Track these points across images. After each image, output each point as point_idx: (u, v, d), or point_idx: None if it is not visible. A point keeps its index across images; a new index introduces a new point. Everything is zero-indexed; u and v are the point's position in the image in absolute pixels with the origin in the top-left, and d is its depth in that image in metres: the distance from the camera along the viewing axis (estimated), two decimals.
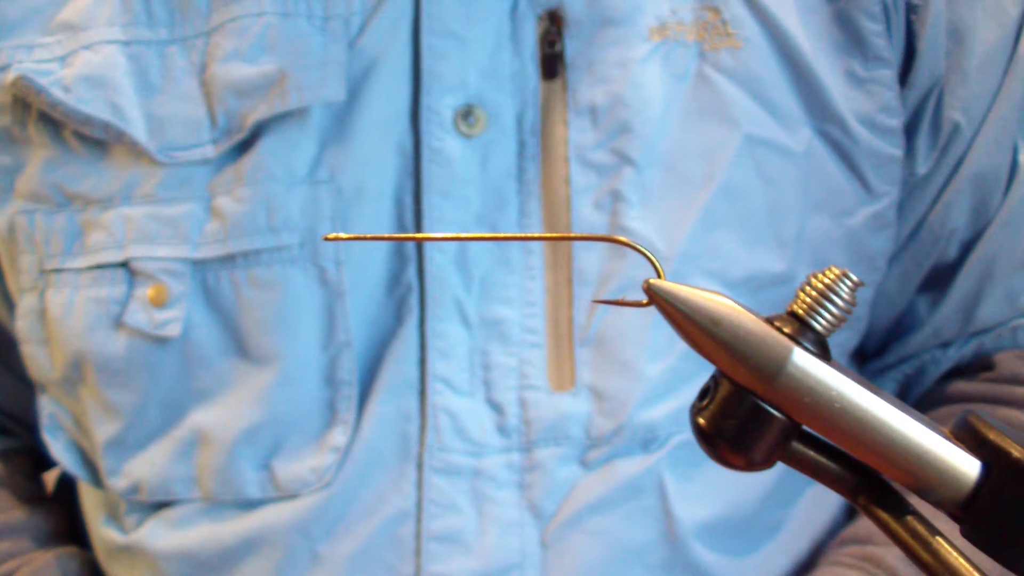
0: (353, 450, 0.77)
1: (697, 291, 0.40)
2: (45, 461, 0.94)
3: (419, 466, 0.77)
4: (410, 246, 0.77)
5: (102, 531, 0.83)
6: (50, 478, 0.95)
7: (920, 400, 0.88)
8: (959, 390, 0.86)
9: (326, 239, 0.44)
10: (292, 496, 0.77)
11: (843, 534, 0.83)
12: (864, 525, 0.82)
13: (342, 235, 0.44)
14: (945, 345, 0.87)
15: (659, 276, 0.41)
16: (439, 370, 0.76)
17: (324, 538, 0.77)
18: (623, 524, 0.76)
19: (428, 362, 0.77)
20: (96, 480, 0.82)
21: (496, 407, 0.77)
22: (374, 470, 0.77)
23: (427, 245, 0.76)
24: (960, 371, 0.88)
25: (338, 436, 0.77)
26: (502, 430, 0.77)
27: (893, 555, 0.78)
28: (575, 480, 0.76)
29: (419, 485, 0.77)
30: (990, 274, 0.84)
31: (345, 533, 0.77)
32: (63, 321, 0.78)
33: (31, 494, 0.91)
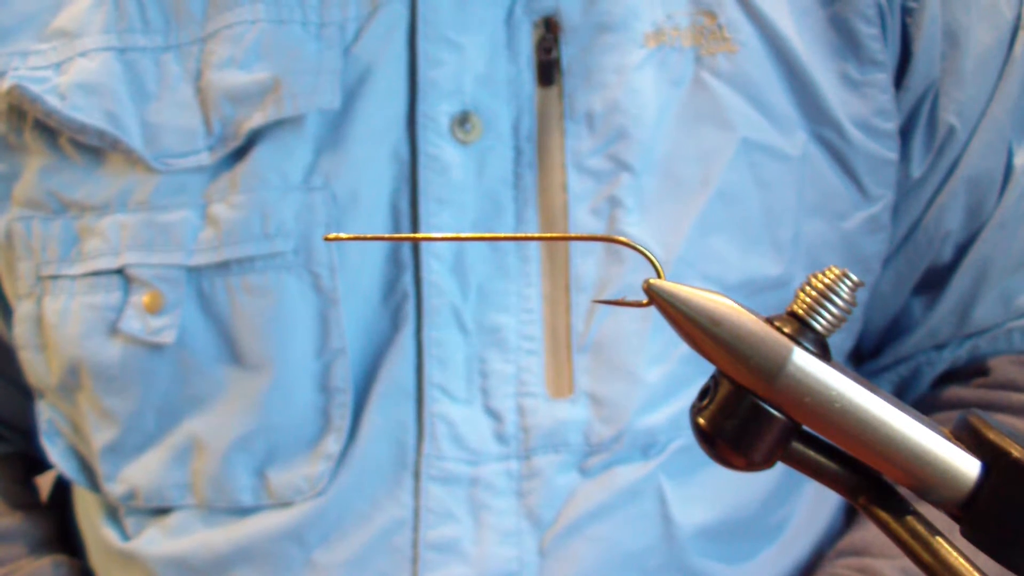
0: (348, 458, 0.77)
1: (697, 291, 0.40)
2: (38, 466, 0.94)
3: (416, 474, 0.77)
4: (406, 253, 0.77)
5: (101, 531, 0.83)
6: (44, 485, 0.95)
7: (915, 404, 0.88)
8: (954, 395, 0.86)
9: (326, 239, 0.44)
10: (286, 504, 0.77)
11: (840, 545, 0.83)
12: (860, 535, 0.82)
13: (342, 235, 0.44)
14: (940, 347, 0.87)
15: (659, 276, 0.41)
16: (436, 378, 0.76)
17: (319, 546, 0.77)
18: (622, 530, 0.76)
19: (425, 370, 0.76)
20: (94, 485, 0.82)
21: (494, 415, 0.76)
22: (370, 478, 0.77)
23: (424, 252, 0.76)
24: (955, 375, 0.88)
25: (332, 444, 0.77)
26: (500, 438, 0.76)
27: (890, 567, 0.78)
28: (574, 487, 0.76)
29: (416, 493, 0.76)
30: (985, 276, 0.84)
31: (340, 541, 0.77)
32: (59, 328, 0.78)
33: (23, 500, 0.91)
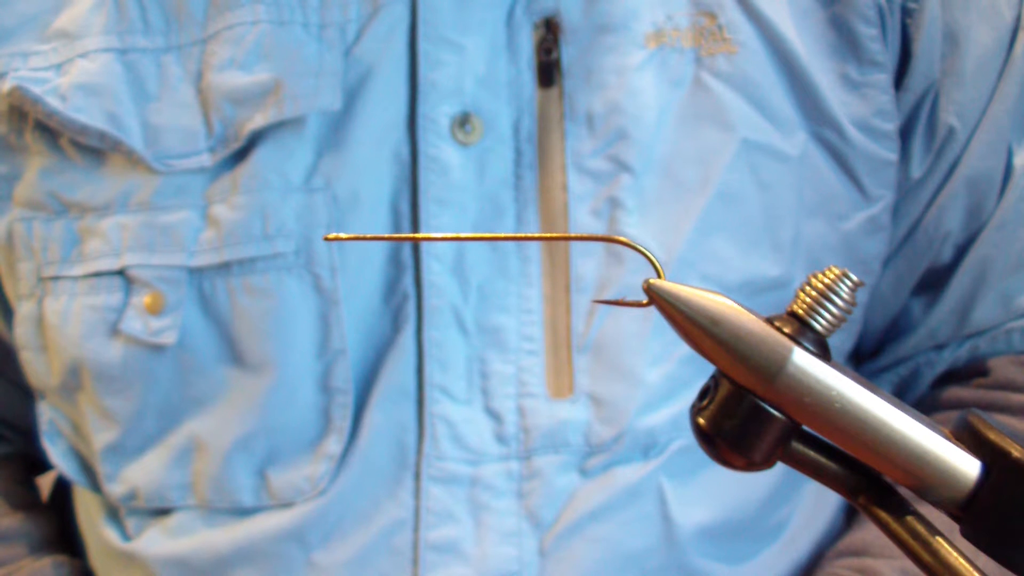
0: (349, 459, 0.77)
1: (697, 291, 0.40)
2: (39, 466, 0.94)
3: (416, 475, 0.77)
4: (407, 254, 0.77)
5: (102, 531, 0.83)
6: (44, 485, 0.95)
7: (915, 404, 0.88)
8: (954, 395, 0.86)
9: (326, 239, 0.44)
10: (287, 504, 0.77)
11: (839, 545, 0.83)
12: (860, 536, 0.82)
13: (342, 235, 0.44)
14: (939, 347, 0.87)
15: (659, 277, 0.41)
16: (436, 378, 0.76)
17: (320, 546, 0.77)
18: (622, 531, 0.76)
19: (425, 370, 0.76)
20: (95, 486, 0.82)
21: (494, 415, 0.76)
22: (371, 479, 0.77)
23: (424, 253, 0.76)
24: (955, 376, 0.88)
25: (332, 444, 0.77)
26: (500, 438, 0.76)
27: (890, 567, 0.78)
28: (574, 488, 0.76)
29: (416, 494, 0.76)
30: (984, 276, 0.84)
31: (341, 542, 0.77)
32: (60, 328, 0.78)
33: (24, 500, 0.90)
